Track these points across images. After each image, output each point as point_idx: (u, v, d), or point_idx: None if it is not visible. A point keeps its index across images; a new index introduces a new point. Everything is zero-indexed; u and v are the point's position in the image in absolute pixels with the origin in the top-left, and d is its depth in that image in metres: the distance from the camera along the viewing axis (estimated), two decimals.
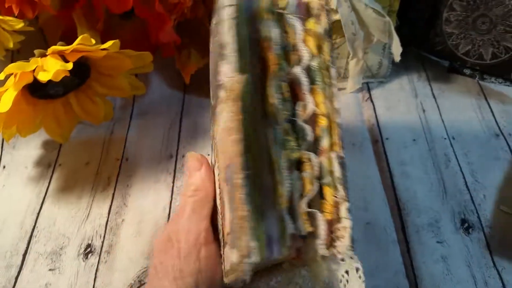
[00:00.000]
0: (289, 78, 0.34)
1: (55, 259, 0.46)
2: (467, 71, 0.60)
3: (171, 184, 0.52)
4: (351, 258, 0.31)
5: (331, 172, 0.33)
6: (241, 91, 0.31)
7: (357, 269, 0.31)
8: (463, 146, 0.54)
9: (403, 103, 0.59)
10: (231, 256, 0.28)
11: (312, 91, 0.34)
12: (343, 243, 0.31)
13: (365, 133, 0.56)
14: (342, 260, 0.32)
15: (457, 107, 0.59)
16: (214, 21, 0.36)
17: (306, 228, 0.31)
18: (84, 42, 0.44)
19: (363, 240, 0.45)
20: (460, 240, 0.45)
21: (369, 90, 0.62)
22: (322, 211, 0.32)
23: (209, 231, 0.33)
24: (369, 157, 0.53)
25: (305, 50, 0.34)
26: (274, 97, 0.32)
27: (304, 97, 0.33)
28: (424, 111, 0.58)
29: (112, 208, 0.50)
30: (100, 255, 0.46)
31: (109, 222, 0.48)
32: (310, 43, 0.35)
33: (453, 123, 0.56)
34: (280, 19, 0.35)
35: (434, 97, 0.60)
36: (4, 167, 0.54)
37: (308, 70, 0.34)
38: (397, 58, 0.57)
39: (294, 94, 0.34)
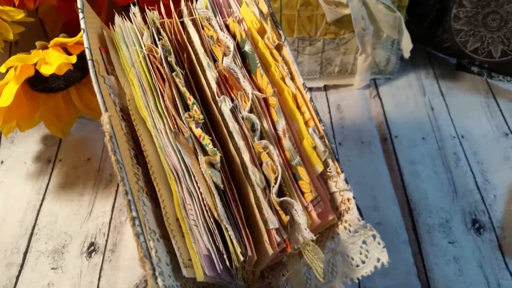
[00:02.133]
0: (219, 72, 0.34)
1: (57, 258, 0.44)
2: (475, 69, 0.59)
3: None
4: (365, 227, 0.30)
5: (314, 148, 0.32)
6: (109, 131, 0.30)
7: (374, 237, 0.29)
8: (472, 145, 0.53)
9: (411, 100, 0.59)
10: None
11: (253, 76, 0.34)
12: (351, 215, 0.31)
13: (374, 130, 0.55)
14: (356, 231, 0.31)
15: (466, 105, 0.58)
16: None
17: (283, 219, 0.31)
18: None
19: None
20: (472, 241, 0.44)
21: (376, 86, 0.61)
22: (299, 194, 0.31)
23: None
24: (378, 155, 0.52)
25: (229, 39, 0.34)
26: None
27: (241, 86, 0.33)
28: (432, 109, 0.57)
29: (115, 205, 0.48)
30: (104, 254, 0.44)
31: (112, 220, 0.47)
32: (236, 30, 0.35)
33: (462, 122, 0.56)
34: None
35: (442, 95, 0.59)
36: (2, 162, 0.53)
37: (242, 58, 0.35)
38: (407, 54, 0.56)
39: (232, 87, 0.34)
